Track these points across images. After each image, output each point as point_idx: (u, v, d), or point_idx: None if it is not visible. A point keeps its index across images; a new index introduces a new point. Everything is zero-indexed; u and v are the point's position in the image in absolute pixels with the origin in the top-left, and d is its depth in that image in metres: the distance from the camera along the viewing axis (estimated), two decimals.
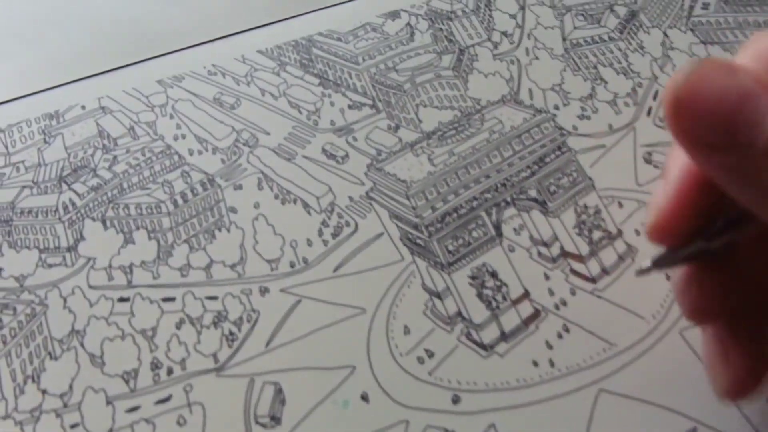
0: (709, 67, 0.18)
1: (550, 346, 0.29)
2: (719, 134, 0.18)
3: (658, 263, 0.25)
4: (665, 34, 0.38)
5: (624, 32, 0.38)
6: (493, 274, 0.31)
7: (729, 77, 0.18)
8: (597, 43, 0.37)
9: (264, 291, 0.30)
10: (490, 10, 0.38)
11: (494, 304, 0.30)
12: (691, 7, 0.39)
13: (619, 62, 0.37)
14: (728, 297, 0.24)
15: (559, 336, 0.30)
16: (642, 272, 0.26)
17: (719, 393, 0.24)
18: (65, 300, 0.29)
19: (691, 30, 0.38)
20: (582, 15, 0.38)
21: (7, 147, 0.33)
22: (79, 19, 0.36)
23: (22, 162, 0.32)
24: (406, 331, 0.29)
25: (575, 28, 0.38)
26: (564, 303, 0.30)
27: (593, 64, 0.37)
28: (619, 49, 0.37)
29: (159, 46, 0.36)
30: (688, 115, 0.19)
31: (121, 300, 0.29)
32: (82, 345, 0.28)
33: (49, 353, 0.28)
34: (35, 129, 0.33)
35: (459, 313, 0.30)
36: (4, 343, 0.28)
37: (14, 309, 0.29)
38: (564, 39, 0.37)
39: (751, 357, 0.23)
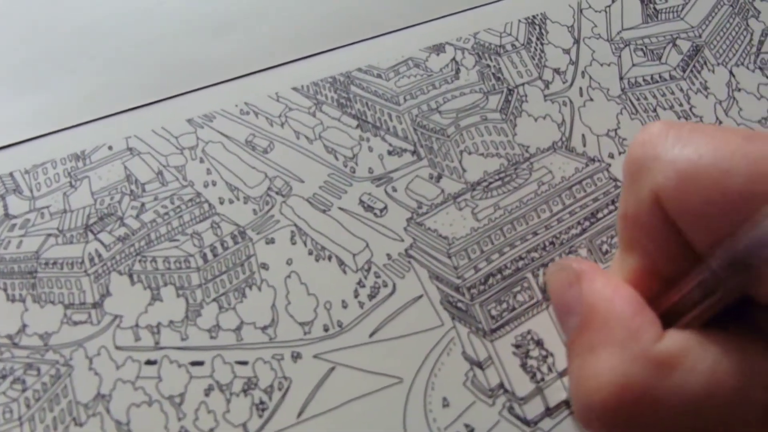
0: (558, 276, 0.25)
1: None
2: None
3: None
4: (731, 73, 0.36)
5: (687, 70, 0.36)
6: (539, 343, 0.30)
7: (566, 289, 0.24)
8: (657, 82, 0.36)
9: (296, 356, 0.29)
10: (542, 44, 0.36)
11: (539, 376, 0.30)
12: (761, 42, 0.37)
13: (681, 105, 0.35)
14: None
15: None
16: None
17: None
18: (91, 361, 0.29)
19: (760, 68, 0.36)
20: (641, 50, 0.37)
21: (31, 190, 0.32)
22: (105, 52, 0.36)
23: (47, 207, 0.32)
24: (445, 403, 0.29)
25: (634, 65, 0.36)
26: None
27: (653, 107, 0.35)
28: (681, 90, 0.36)
29: (189, 81, 0.35)
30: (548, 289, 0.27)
31: (149, 363, 0.29)
32: (107, 411, 0.28)
33: (74, 419, 0.28)
34: (60, 171, 0.33)
35: (501, 385, 0.29)
36: (28, 406, 0.28)
37: (38, 369, 0.29)
38: (621, 77, 0.36)
39: None
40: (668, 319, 0.22)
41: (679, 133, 0.22)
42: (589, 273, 0.24)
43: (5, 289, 0.30)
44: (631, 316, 0.22)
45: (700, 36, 0.38)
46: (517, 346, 0.30)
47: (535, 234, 0.32)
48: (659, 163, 0.22)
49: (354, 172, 0.33)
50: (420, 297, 0.31)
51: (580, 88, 0.36)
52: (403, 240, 0.32)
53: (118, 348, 0.30)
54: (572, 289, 0.24)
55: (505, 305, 0.31)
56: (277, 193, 0.33)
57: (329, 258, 0.31)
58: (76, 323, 0.30)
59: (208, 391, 0.29)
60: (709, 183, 0.20)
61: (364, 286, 0.31)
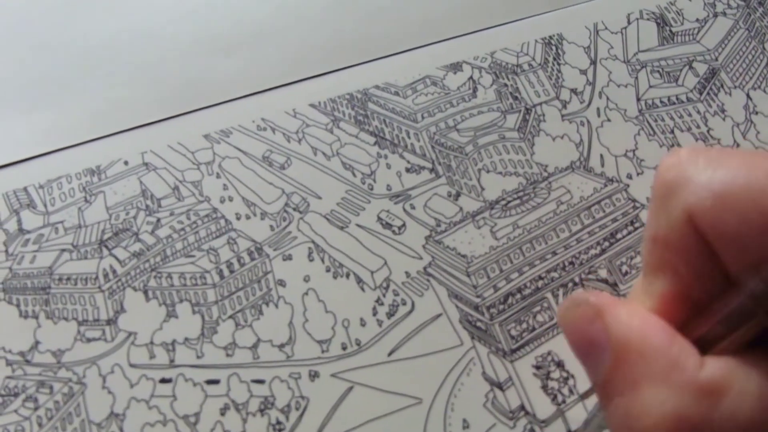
0: (575, 312, 0.23)
1: None
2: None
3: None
4: (748, 96, 0.36)
5: (704, 93, 0.36)
6: (560, 364, 0.30)
7: (587, 325, 0.23)
8: (674, 104, 0.36)
9: (314, 375, 0.29)
10: (558, 64, 0.36)
11: (560, 398, 0.29)
12: None
13: (698, 127, 0.35)
14: None
15: None
16: None
17: None
18: (104, 379, 0.28)
19: None
20: (658, 72, 0.37)
21: (45, 205, 0.32)
22: (122, 67, 0.35)
23: (62, 222, 0.31)
24: (465, 425, 0.28)
25: (651, 86, 0.36)
26: None
27: (670, 128, 0.35)
28: (698, 112, 0.36)
29: (206, 97, 0.35)
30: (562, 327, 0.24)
31: (163, 381, 0.29)
32: (121, 430, 0.28)
33: None
34: (76, 186, 0.32)
35: (522, 407, 0.29)
36: (40, 425, 0.27)
37: (51, 387, 0.28)
38: (638, 99, 0.36)
39: None
40: (703, 345, 0.21)
41: (709, 156, 0.22)
42: (611, 305, 0.23)
43: (18, 305, 0.30)
44: (668, 345, 0.21)
45: (716, 59, 0.37)
46: (538, 367, 0.30)
47: (555, 254, 0.32)
48: (692, 185, 0.21)
49: (372, 189, 0.33)
50: (439, 316, 0.30)
51: (598, 109, 0.36)
52: (421, 258, 0.31)
53: (132, 366, 0.29)
54: (595, 325, 0.23)
55: (525, 325, 0.30)
56: (294, 209, 0.32)
57: (347, 275, 0.31)
58: (89, 340, 0.29)
59: (224, 411, 0.28)
60: (744, 204, 0.20)
61: (382, 304, 0.30)
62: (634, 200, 0.33)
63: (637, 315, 0.22)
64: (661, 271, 0.23)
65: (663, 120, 0.35)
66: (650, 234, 0.23)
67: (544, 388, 0.29)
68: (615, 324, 0.22)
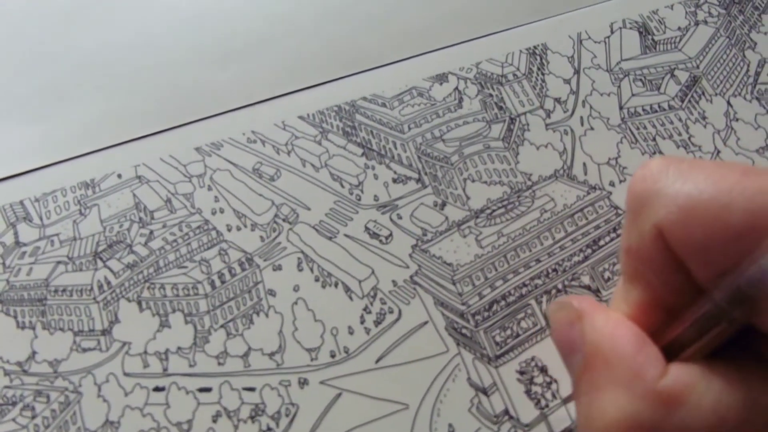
0: (559, 315, 0.26)
1: None
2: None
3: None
4: (729, 103, 0.37)
5: (685, 100, 0.37)
6: (543, 369, 0.30)
7: (568, 328, 0.25)
8: (656, 112, 0.36)
9: (303, 383, 0.30)
10: (542, 74, 0.37)
11: (543, 402, 0.30)
12: (758, 73, 0.38)
13: (680, 134, 0.36)
14: None
15: None
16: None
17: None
18: (100, 388, 0.29)
19: (757, 99, 0.37)
20: (641, 80, 0.37)
21: (41, 218, 0.33)
22: (114, 82, 0.36)
23: (57, 235, 0.32)
24: (451, 429, 0.29)
25: (633, 94, 0.37)
26: None
27: (652, 136, 0.36)
28: (680, 120, 0.36)
29: (197, 110, 0.35)
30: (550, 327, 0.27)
31: (157, 389, 0.29)
32: None
33: None
34: (71, 199, 0.33)
35: (506, 412, 0.30)
36: None
37: (48, 396, 0.29)
38: (621, 107, 0.36)
39: None
40: (671, 351, 0.22)
41: (679, 169, 0.22)
42: (590, 311, 0.24)
43: (15, 317, 0.30)
44: (634, 354, 0.22)
45: (697, 67, 0.38)
46: (522, 373, 0.30)
47: (538, 261, 0.32)
48: (661, 198, 0.22)
49: (359, 199, 0.34)
50: (425, 323, 0.31)
51: (581, 118, 0.36)
52: (408, 267, 0.32)
53: (126, 375, 0.30)
54: (574, 328, 0.24)
55: (509, 331, 0.31)
56: (284, 220, 0.33)
57: (336, 284, 0.32)
58: (85, 350, 0.30)
59: (215, 418, 0.29)
60: (710, 217, 0.21)
61: (370, 312, 0.31)
62: (616, 207, 0.34)
63: (611, 322, 0.23)
64: (636, 281, 0.24)
65: (645, 128, 0.36)
66: (624, 246, 0.24)
67: (528, 393, 0.30)
68: (590, 329, 0.23)
